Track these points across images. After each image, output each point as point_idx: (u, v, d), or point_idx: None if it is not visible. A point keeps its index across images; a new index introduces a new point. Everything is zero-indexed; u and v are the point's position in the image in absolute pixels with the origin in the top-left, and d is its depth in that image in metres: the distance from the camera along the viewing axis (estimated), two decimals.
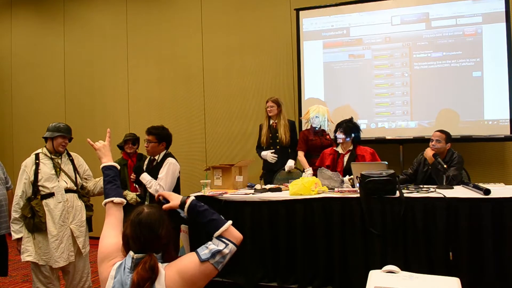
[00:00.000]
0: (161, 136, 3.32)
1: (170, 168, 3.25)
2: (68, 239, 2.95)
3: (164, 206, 1.65)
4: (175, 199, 1.67)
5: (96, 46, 5.92)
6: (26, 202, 2.92)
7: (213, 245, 1.52)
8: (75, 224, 3.00)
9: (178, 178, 3.38)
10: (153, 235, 1.48)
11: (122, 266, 1.49)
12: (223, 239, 1.54)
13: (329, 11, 4.58)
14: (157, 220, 1.50)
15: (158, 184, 3.20)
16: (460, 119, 4.14)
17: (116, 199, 1.74)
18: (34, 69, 6.30)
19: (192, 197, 1.66)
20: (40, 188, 2.93)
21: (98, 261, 1.57)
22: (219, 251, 1.51)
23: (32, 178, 2.93)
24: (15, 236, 2.93)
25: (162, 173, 3.24)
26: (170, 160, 3.30)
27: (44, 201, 2.91)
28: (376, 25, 4.42)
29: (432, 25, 4.24)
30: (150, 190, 3.22)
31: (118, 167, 1.87)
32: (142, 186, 3.39)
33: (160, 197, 1.72)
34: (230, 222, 1.59)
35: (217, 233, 1.55)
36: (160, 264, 1.47)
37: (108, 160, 1.88)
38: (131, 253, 1.49)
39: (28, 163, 2.98)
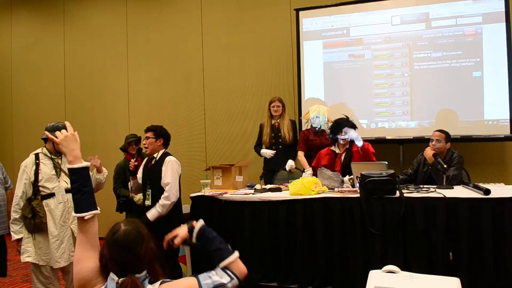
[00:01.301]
0: (158, 133, 3.29)
1: (174, 168, 3.18)
2: (68, 240, 2.95)
3: (176, 242, 1.51)
4: (181, 231, 1.52)
5: (96, 46, 5.92)
6: (26, 202, 2.91)
7: (217, 277, 1.41)
8: (75, 225, 2.99)
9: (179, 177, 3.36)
10: (132, 255, 1.34)
11: None
12: (229, 272, 1.43)
13: (329, 11, 4.57)
14: (134, 239, 1.36)
15: (169, 193, 3.09)
16: (459, 119, 4.14)
17: (88, 214, 1.49)
18: (34, 69, 6.30)
19: (200, 222, 1.53)
20: (41, 188, 2.92)
21: None
22: (222, 285, 1.40)
23: (32, 178, 2.91)
24: (15, 236, 2.92)
25: (168, 178, 3.12)
26: (170, 158, 3.23)
27: (44, 202, 2.91)
28: (376, 25, 4.41)
29: (432, 25, 4.24)
30: (161, 211, 3.09)
31: (88, 165, 1.56)
32: (135, 187, 3.38)
33: (165, 244, 1.54)
34: (237, 253, 1.48)
35: (222, 264, 1.44)
36: (150, 286, 1.36)
37: (75, 159, 1.53)
38: (113, 276, 1.36)
39: (28, 163, 2.96)
